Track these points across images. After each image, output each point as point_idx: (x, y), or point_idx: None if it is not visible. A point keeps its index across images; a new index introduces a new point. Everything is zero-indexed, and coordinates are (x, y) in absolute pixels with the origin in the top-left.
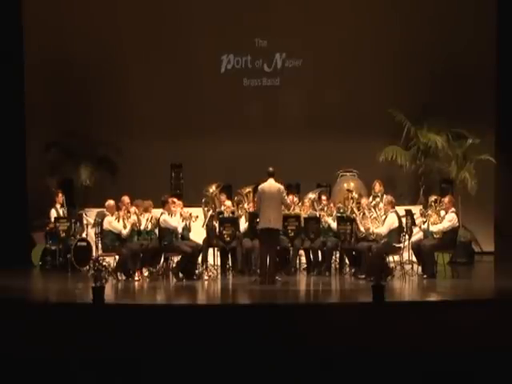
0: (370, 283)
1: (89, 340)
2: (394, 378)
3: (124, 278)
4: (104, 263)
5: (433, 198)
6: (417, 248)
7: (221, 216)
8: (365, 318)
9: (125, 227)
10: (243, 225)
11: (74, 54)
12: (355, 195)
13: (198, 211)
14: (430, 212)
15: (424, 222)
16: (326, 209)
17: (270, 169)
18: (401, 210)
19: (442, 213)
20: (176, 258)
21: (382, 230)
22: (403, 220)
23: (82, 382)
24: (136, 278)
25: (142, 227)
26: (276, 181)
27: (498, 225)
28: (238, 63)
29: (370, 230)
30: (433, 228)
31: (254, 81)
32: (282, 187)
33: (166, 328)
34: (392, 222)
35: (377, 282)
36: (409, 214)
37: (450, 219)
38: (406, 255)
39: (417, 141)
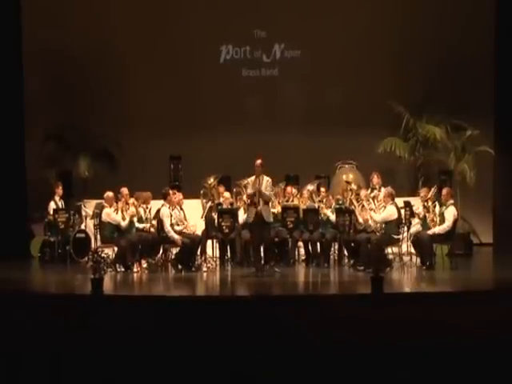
0: (369, 275)
1: (87, 332)
2: (392, 369)
3: (123, 269)
4: (103, 255)
5: (423, 194)
6: (415, 239)
7: (219, 207)
8: (364, 310)
9: (123, 219)
10: (242, 216)
11: (73, 47)
12: (354, 187)
13: (196, 203)
14: (423, 212)
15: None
16: (324, 201)
17: (258, 161)
18: (399, 201)
19: (437, 208)
20: (175, 250)
21: (377, 217)
22: (402, 211)
23: (80, 373)
24: (135, 270)
25: (144, 217)
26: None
27: (497, 216)
28: (236, 53)
29: (369, 222)
30: (438, 230)
31: (252, 71)
32: (270, 180)
33: (165, 320)
34: (390, 213)
35: (376, 273)
36: (407, 205)
37: (451, 215)
38: (404, 247)
39: (416, 132)
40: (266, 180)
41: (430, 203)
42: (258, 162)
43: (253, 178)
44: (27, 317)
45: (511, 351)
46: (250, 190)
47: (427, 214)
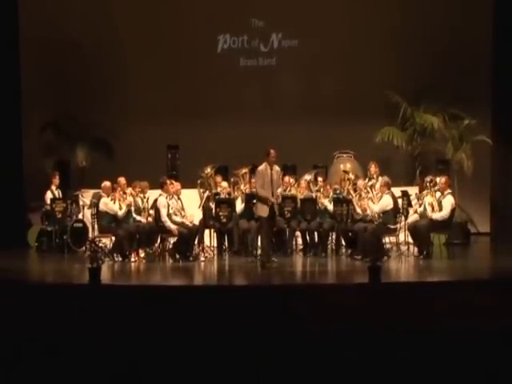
0: (367, 264)
1: (85, 321)
2: (390, 358)
3: (120, 259)
4: (100, 244)
5: (428, 178)
6: (413, 229)
7: (217, 197)
8: (361, 299)
9: (120, 208)
10: (239, 206)
11: (71, 36)
12: (351, 176)
13: (194, 193)
14: (424, 193)
15: (420, 205)
16: (322, 190)
17: (271, 151)
18: (397, 191)
19: (438, 194)
20: (172, 239)
21: (375, 208)
22: (399, 201)
23: (78, 362)
24: (132, 259)
25: (141, 206)
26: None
27: (494, 205)
28: (234, 43)
29: (367, 211)
30: (436, 216)
31: (250, 61)
32: (279, 170)
33: (163, 309)
34: (386, 203)
35: (373, 262)
36: (405, 195)
37: (449, 204)
38: (401, 236)
39: (413, 122)
40: (277, 171)
41: (432, 187)
42: (273, 152)
43: (263, 166)
44: (25, 306)
45: (509, 339)
46: (262, 190)
47: (426, 198)
